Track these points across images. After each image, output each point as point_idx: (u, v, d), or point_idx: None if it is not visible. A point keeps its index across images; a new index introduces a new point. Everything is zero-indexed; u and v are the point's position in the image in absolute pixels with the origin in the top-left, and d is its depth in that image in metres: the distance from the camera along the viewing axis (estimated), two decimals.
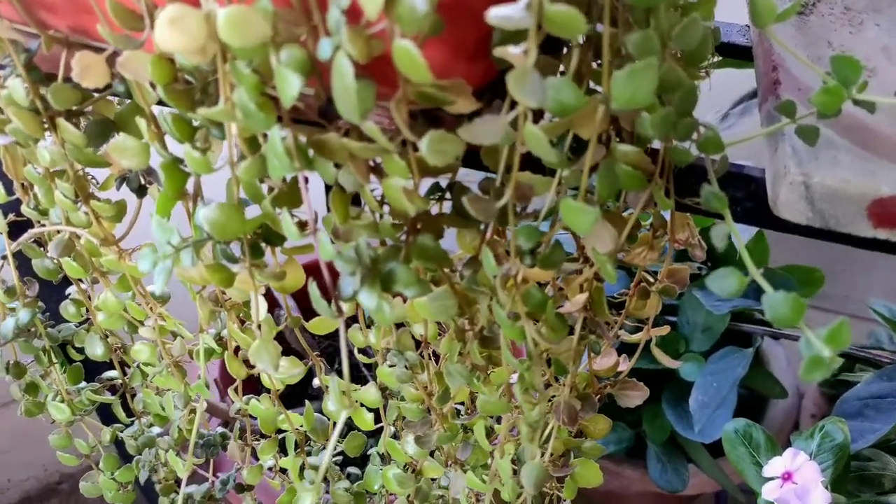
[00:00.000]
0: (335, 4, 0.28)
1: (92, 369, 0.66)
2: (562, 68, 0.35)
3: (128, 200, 0.49)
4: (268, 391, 0.53)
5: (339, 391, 0.37)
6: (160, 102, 0.38)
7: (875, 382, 0.83)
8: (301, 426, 0.55)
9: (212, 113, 0.32)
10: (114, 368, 0.65)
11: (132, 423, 0.68)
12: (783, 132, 0.37)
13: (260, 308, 0.41)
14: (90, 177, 0.48)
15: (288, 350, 0.49)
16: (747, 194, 0.41)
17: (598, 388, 0.50)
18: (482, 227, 0.41)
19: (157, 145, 0.39)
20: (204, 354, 0.51)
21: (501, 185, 0.35)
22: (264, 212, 0.38)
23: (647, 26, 0.31)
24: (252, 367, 0.48)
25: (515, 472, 0.49)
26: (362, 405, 0.53)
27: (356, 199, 0.39)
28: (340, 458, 0.61)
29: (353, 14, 0.28)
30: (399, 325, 0.51)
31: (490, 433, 0.51)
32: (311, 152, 0.34)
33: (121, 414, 0.67)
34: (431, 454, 0.54)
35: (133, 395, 0.67)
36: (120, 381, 0.66)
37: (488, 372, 0.49)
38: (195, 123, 0.36)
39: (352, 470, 0.65)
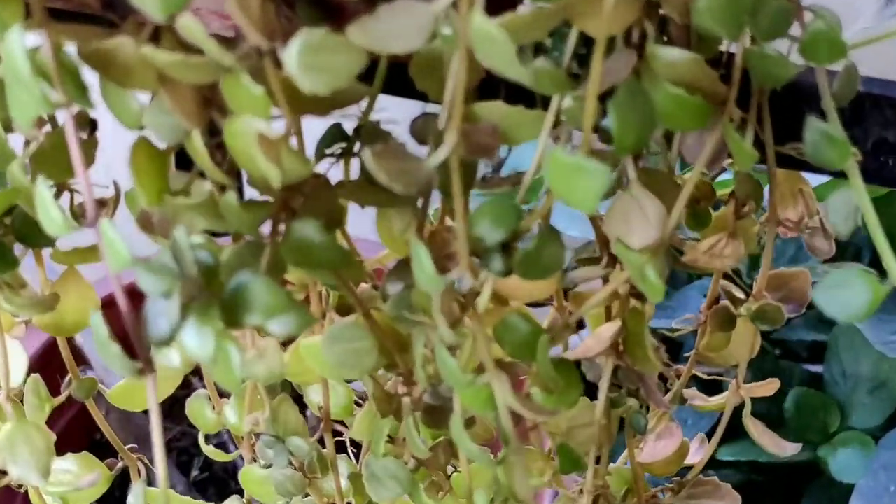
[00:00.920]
0: None
1: None
2: None
3: None
4: None
5: None
6: None
7: None
8: None
9: None
10: None
11: None
12: None
13: (15, 363, 0.39)
14: None
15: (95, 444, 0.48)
16: None
17: (648, 496, 0.49)
18: (418, 204, 0.40)
19: None
20: None
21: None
22: (13, 185, 0.37)
23: None
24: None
25: None
26: None
27: (183, 161, 0.38)
28: None
29: None
30: (286, 388, 0.50)
31: None
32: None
33: None
34: None
35: None
36: None
37: (446, 474, 0.48)
38: None
39: None
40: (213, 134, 0.38)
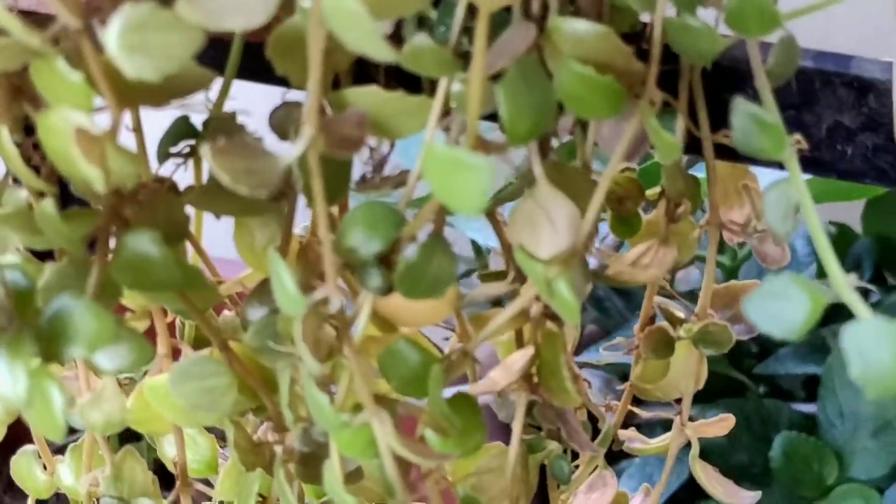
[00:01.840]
0: None
1: None
2: None
3: None
4: None
5: None
6: None
7: None
8: None
9: None
10: None
11: None
12: None
13: None
14: None
15: None
16: (857, 118, 0.42)
17: None
18: (285, 211, 0.42)
19: None
20: None
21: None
22: None
23: None
24: None
25: None
26: None
27: None
28: None
29: None
30: (130, 438, 0.50)
31: None
32: None
33: None
34: None
35: None
36: None
37: None
38: None
39: None
40: (30, 132, 0.39)
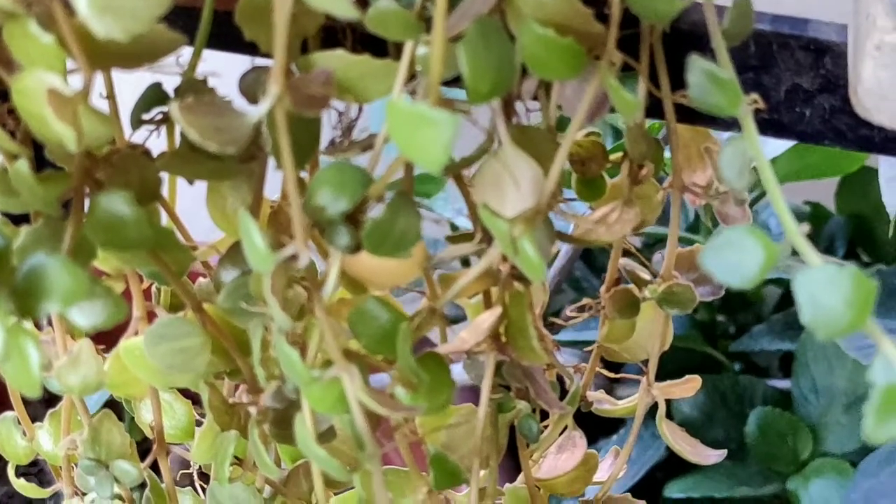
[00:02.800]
0: None
1: None
2: None
3: None
4: None
5: None
6: None
7: None
8: None
9: None
10: None
11: None
12: None
13: None
14: None
15: None
16: (815, 80, 0.43)
17: None
18: (256, 173, 0.42)
19: None
20: None
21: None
22: None
23: None
24: None
25: None
26: None
27: None
28: None
29: None
30: (115, 405, 0.51)
31: None
32: None
33: None
34: None
35: None
36: None
37: (311, 503, 0.50)
38: None
39: None
40: (4, 98, 0.40)
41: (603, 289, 0.50)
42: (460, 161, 0.42)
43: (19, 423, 0.53)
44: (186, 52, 0.42)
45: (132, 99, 0.44)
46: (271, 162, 0.40)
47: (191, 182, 0.44)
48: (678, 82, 0.43)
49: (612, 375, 0.53)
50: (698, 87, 0.37)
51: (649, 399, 0.51)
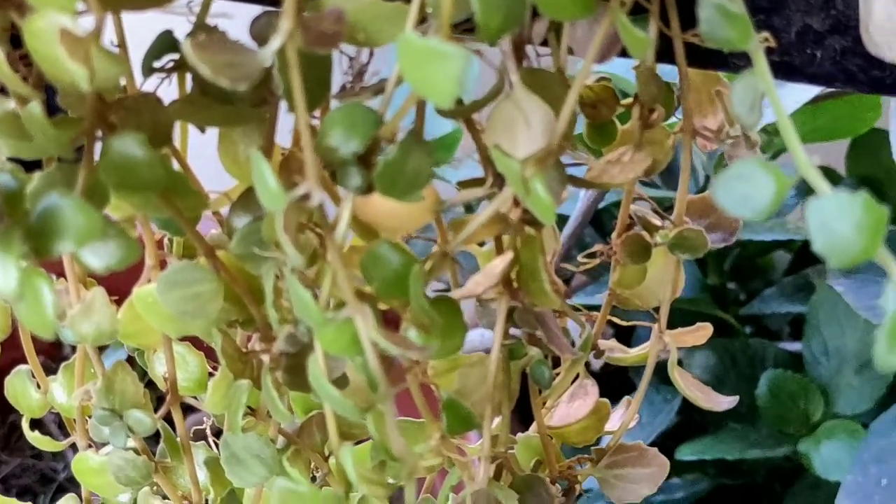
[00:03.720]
0: None
1: None
2: None
3: None
4: None
5: None
6: None
7: None
8: None
9: None
10: None
11: None
12: None
13: None
14: None
15: None
16: (826, 21, 0.43)
17: (562, 466, 0.52)
18: (268, 118, 0.43)
19: None
20: None
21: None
22: None
23: None
24: None
25: None
26: None
27: None
28: None
29: None
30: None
31: None
32: None
33: None
34: None
35: None
36: None
37: (324, 455, 0.50)
38: None
39: None
40: (16, 45, 0.40)
41: (614, 234, 0.50)
42: (471, 104, 0.43)
43: (33, 376, 0.54)
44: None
45: (143, 50, 0.44)
46: (283, 109, 0.41)
47: (202, 130, 0.44)
48: (688, 23, 0.43)
49: (623, 324, 0.53)
50: (709, 21, 0.37)
51: (661, 346, 0.51)
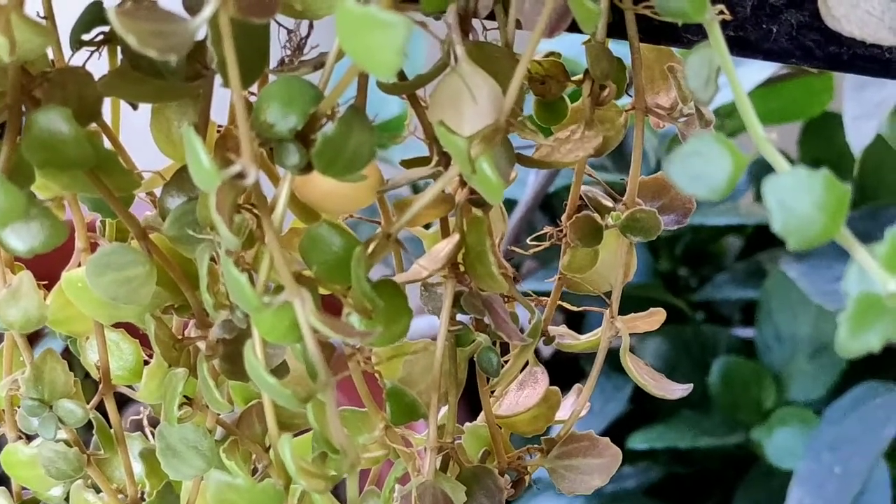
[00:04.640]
0: None
1: None
2: None
3: None
4: None
5: None
6: None
7: None
8: None
9: None
10: None
11: None
12: None
13: None
14: None
15: None
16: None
17: (510, 457, 0.51)
18: (202, 93, 0.41)
19: None
20: None
21: None
22: None
23: None
24: None
25: None
26: None
27: None
28: None
29: None
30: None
31: None
32: None
33: None
34: None
35: None
36: None
37: (264, 446, 0.49)
38: None
39: None
40: None
41: (564, 216, 0.49)
42: (415, 79, 0.41)
43: None
44: None
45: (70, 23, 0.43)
46: (219, 85, 0.39)
47: (134, 106, 0.43)
48: None
49: (574, 309, 0.52)
50: None
51: (612, 332, 0.50)
